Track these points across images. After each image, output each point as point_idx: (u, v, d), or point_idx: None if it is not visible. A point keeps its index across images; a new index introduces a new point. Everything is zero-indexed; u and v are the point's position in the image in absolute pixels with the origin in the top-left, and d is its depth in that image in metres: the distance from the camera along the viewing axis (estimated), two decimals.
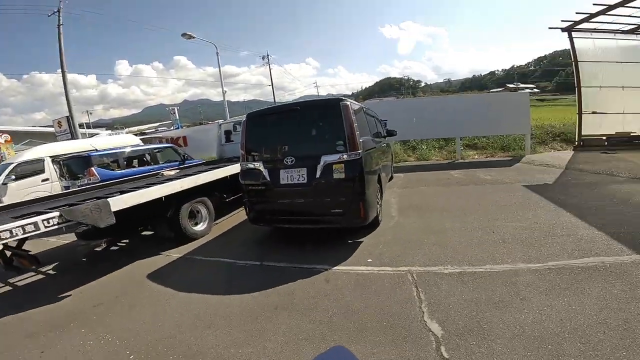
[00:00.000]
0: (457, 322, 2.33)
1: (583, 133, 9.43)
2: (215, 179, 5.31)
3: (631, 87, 9.11)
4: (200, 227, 5.15)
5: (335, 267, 3.50)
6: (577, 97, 9.72)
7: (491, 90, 55.51)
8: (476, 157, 10.56)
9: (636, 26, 8.76)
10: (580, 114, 9.41)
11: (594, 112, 9.37)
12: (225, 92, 18.09)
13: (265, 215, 4.40)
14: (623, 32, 9.15)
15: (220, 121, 12.58)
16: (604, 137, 9.25)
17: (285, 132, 4.30)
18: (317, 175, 3.82)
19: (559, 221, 4.27)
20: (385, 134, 7.39)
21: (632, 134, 9.15)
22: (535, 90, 57.05)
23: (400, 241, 4.04)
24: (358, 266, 3.48)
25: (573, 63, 9.49)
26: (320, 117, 4.23)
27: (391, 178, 7.90)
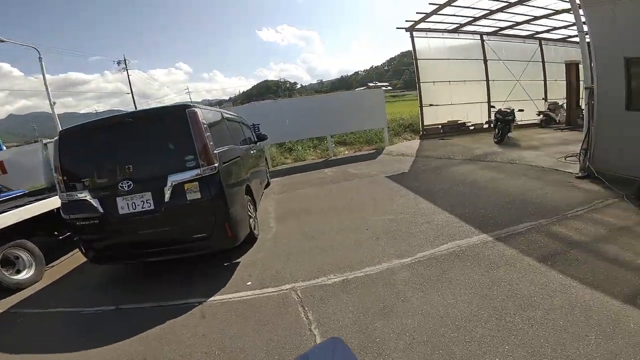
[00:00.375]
0: (351, 342, 2.18)
1: (425, 123, 11.16)
2: (30, 216, 4.29)
3: (455, 82, 11.23)
4: (24, 275, 4.16)
5: (212, 298, 3.07)
6: (418, 92, 11.37)
7: (356, 90, 62.33)
8: (346, 152, 11.18)
9: (458, 25, 10.70)
10: (421, 107, 11.09)
11: (430, 105, 11.18)
12: (54, 103, 14.16)
13: (108, 253, 3.61)
14: (448, 31, 11.10)
15: (46, 140, 9.53)
16: (440, 126, 11.16)
17: (117, 151, 3.51)
18: (167, 199, 3.23)
19: (418, 209, 4.60)
20: (256, 139, 6.87)
21: (458, 122, 11.34)
22: (389, 87, 67.17)
23: (280, 254, 3.78)
24: (237, 292, 3.10)
25: (414, 61, 11.03)
26: (162, 129, 3.48)
27: (268, 184, 7.46)
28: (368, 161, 9.03)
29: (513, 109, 9.18)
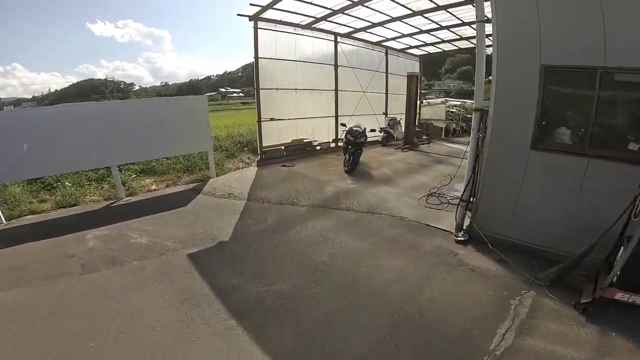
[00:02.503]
0: None
1: (264, 144, 8.48)
2: None
3: (302, 90, 9.08)
4: None
5: None
6: (256, 101, 8.59)
7: (206, 94, 56.05)
8: (153, 186, 7.28)
9: (313, 19, 8.45)
10: (259, 121, 8.36)
11: (271, 119, 8.63)
12: None
13: None
14: (302, 26, 8.75)
15: None
16: (283, 147, 8.79)
17: None
18: None
19: None
20: None
21: (304, 141, 9.29)
22: (241, 94, 64.01)
23: None
24: None
25: (254, 60, 8.14)
26: None
27: None
28: (176, 210, 5.56)
29: (364, 128, 7.64)
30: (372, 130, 8.63)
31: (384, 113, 12.35)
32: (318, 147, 9.67)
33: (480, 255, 3.47)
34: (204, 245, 4.07)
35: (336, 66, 9.95)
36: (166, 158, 8.13)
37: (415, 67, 13.28)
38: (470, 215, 3.82)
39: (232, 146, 9.68)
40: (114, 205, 6.22)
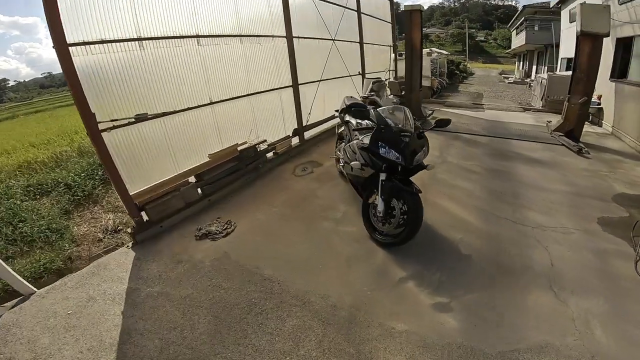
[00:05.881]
0: None
1: (140, 180, 3.33)
2: None
3: (214, 38, 3.90)
4: None
5: None
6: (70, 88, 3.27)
7: None
8: None
9: None
10: (92, 133, 3.13)
11: (136, 119, 3.42)
12: None
13: None
14: None
15: None
16: (190, 178, 3.67)
17: None
18: None
19: None
20: None
21: (240, 148, 4.28)
22: None
23: None
24: None
25: None
26: None
27: None
28: None
29: (413, 120, 2.94)
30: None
31: (359, 73, 7.66)
32: (271, 154, 4.74)
33: None
34: None
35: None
36: None
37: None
38: None
39: (84, 177, 4.23)
40: None
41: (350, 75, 6.99)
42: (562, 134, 5.92)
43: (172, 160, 3.36)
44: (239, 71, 4.07)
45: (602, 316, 2.09)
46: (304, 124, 5.49)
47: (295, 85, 5.10)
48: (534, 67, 23.15)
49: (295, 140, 5.39)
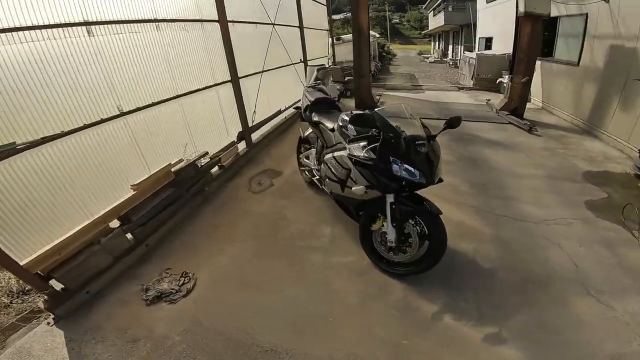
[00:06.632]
0: None
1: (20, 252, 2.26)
2: None
3: (111, 25, 2.73)
4: None
5: None
6: None
7: None
8: None
9: None
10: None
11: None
12: None
13: None
14: None
15: None
16: (96, 238, 2.66)
17: None
18: None
19: None
20: None
21: (173, 172, 3.26)
22: None
23: None
24: None
25: None
26: None
27: None
28: None
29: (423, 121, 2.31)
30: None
31: (301, 60, 6.90)
32: (216, 169, 3.78)
33: None
34: None
35: None
36: None
37: None
38: None
39: None
40: None
41: (293, 64, 6.20)
42: (508, 112, 6.07)
43: (77, 203, 2.27)
44: (158, 68, 3.01)
45: None
46: (250, 125, 4.60)
47: (235, 79, 4.15)
48: (450, 47, 24.91)
49: (242, 146, 4.49)
